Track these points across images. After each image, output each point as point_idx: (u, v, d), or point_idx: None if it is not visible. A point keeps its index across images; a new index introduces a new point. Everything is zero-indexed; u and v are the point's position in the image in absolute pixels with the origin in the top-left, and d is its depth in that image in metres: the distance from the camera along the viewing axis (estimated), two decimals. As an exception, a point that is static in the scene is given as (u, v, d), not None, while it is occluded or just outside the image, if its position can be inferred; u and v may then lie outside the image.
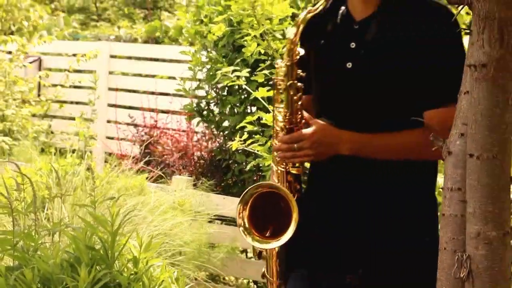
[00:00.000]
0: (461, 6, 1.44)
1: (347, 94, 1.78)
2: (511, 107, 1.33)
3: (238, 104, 5.09)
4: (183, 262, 3.39)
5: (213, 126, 5.39)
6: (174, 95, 6.34)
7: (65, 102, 7.35)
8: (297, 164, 1.79)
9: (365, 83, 1.75)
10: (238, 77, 4.58)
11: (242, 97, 5.02)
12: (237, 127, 4.80)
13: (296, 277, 1.93)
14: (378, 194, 1.78)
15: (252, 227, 1.79)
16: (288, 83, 1.74)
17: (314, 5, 1.74)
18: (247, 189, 1.80)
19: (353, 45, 1.76)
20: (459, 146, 1.40)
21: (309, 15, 1.72)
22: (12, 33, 7.14)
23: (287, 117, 1.75)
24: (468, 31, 1.42)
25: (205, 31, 5.14)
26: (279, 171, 1.81)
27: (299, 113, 1.76)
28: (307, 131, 1.74)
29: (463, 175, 1.37)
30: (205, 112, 5.45)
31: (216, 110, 5.38)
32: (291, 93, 1.74)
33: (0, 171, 3.58)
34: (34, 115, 6.51)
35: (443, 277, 1.38)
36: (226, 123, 5.24)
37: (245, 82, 4.58)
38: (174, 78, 6.43)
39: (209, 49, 5.21)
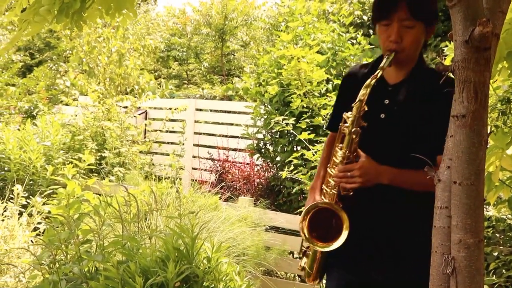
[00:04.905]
0: (447, 72, 1.44)
1: (379, 136, 1.78)
2: (484, 147, 1.32)
3: (286, 144, 5.11)
4: (245, 261, 3.38)
5: (268, 160, 5.43)
6: (241, 137, 6.41)
7: (162, 142, 7.51)
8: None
9: (394, 129, 1.75)
10: (287, 124, 4.62)
11: (290, 139, 5.04)
12: (286, 161, 4.83)
13: (333, 275, 1.91)
14: (395, 217, 1.77)
15: (309, 233, 1.78)
16: (352, 129, 1.73)
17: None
18: (309, 205, 1.79)
19: (387, 101, 1.77)
20: (446, 175, 1.39)
21: (373, 81, 1.71)
22: (127, 93, 7.35)
23: (346, 154, 1.75)
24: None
25: (263, 91, 5.21)
26: (331, 193, 1.79)
27: (355, 151, 1.76)
28: (358, 164, 1.74)
29: (449, 197, 1.36)
30: (263, 150, 5.50)
31: (271, 148, 5.42)
32: (353, 136, 1.74)
33: (115, 192, 3.69)
34: (141, 152, 6.65)
35: (434, 273, 1.36)
36: (278, 158, 5.27)
37: (292, 128, 4.61)
38: (240, 125, 6.53)
39: (266, 104, 5.28)
